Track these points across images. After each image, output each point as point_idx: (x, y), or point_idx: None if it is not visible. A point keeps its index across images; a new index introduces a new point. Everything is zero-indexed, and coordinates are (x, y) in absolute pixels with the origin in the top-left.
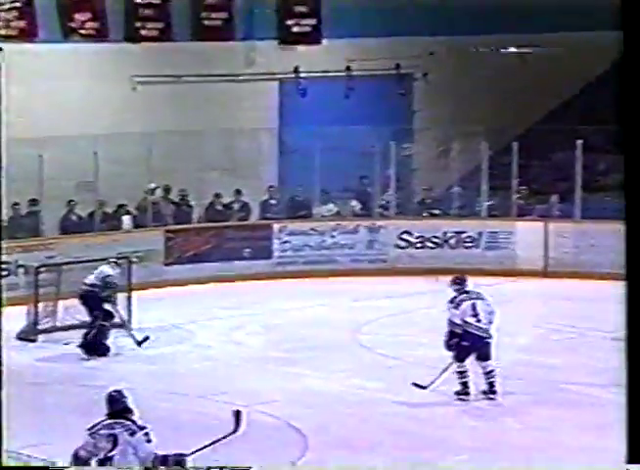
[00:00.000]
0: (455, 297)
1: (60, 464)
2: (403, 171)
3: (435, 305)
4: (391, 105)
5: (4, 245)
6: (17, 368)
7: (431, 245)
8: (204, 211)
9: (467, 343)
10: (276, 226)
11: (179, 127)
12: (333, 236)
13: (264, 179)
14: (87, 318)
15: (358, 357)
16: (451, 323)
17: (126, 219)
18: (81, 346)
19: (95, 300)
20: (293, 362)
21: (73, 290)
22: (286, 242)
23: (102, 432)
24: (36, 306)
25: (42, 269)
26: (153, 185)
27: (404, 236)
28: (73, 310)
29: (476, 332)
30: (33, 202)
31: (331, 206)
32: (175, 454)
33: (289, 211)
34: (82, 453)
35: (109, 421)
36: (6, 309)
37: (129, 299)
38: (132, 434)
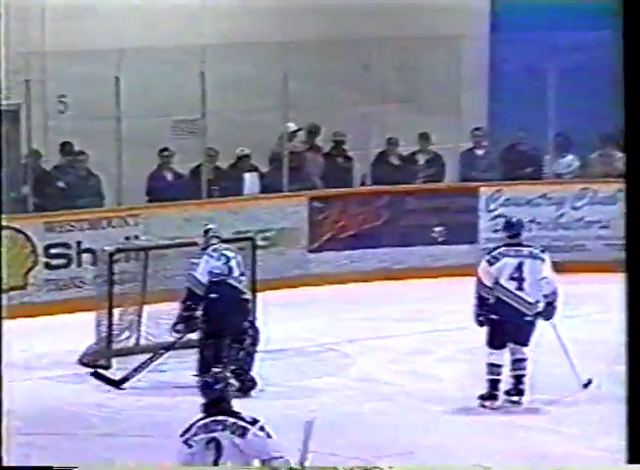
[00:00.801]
0: (498, 246)
1: None
2: None
3: None
4: None
5: (57, 218)
6: (80, 409)
7: None
8: (370, 167)
9: (497, 317)
10: (485, 191)
11: (330, 36)
12: (576, 207)
13: (466, 117)
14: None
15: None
16: (479, 283)
17: (250, 179)
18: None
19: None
20: (512, 408)
21: (168, 288)
22: (500, 216)
23: (198, 437)
24: (110, 314)
25: (119, 256)
26: (292, 126)
27: None
28: (166, 320)
29: (513, 303)
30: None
31: (571, 158)
32: None
33: (505, 168)
34: None
35: (205, 421)
36: (63, 318)
37: (253, 302)
38: (243, 434)
